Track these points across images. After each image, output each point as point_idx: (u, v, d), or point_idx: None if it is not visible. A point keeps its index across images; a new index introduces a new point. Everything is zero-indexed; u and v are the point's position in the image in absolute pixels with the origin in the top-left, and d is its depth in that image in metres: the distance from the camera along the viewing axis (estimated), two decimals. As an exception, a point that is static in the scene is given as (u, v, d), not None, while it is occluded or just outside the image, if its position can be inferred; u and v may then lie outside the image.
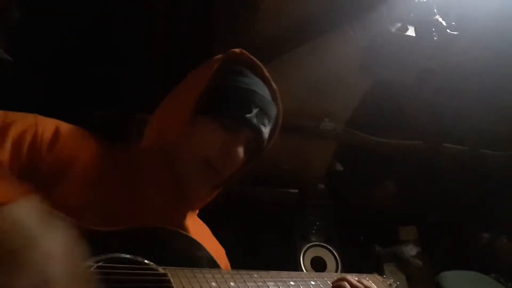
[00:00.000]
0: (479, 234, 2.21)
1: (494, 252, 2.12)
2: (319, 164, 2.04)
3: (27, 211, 0.45)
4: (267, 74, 0.88)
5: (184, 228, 0.82)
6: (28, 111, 0.72)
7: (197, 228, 0.87)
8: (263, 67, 0.88)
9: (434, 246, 2.20)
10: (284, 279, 0.71)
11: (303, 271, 1.84)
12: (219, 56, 0.85)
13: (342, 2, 1.47)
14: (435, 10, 1.50)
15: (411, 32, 1.51)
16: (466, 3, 1.52)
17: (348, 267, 1.89)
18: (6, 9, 1.45)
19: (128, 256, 0.60)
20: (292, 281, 0.71)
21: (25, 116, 0.70)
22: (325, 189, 2.16)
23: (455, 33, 1.53)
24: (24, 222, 0.43)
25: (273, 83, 0.89)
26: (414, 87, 1.78)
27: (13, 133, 0.65)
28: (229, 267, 0.89)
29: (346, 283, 0.74)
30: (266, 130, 0.83)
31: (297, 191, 2.04)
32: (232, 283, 0.63)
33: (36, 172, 0.66)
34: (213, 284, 0.61)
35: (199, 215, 0.94)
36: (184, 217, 0.85)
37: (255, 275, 0.67)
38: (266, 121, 0.82)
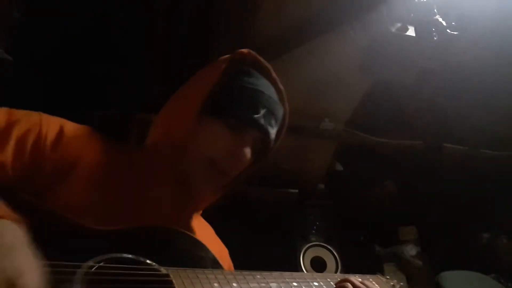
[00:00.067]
0: (479, 234, 2.21)
1: (494, 252, 2.12)
2: (319, 164, 2.04)
3: (10, 229, 0.46)
4: (274, 74, 0.88)
5: (189, 228, 0.81)
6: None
7: (201, 228, 0.87)
8: (270, 67, 0.88)
9: (434, 246, 2.20)
10: (287, 280, 0.70)
11: (303, 271, 1.84)
12: (227, 56, 0.85)
13: (342, 2, 1.47)
14: (435, 10, 1.50)
15: (411, 32, 1.51)
16: (466, 3, 1.52)
17: (348, 267, 1.89)
18: (6, 9, 1.45)
19: (130, 256, 0.59)
20: (295, 282, 0.71)
21: (30, 114, 0.70)
22: (325, 189, 2.16)
23: (455, 33, 1.53)
24: (6, 236, 0.45)
25: (279, 84, 0.88)
26: (414, 87, 1.78)
27: (17, 132, 0.65)
28: (232, 268, 0.89)
29: (349, 284, 0.74)
30: (273, 131, 0.82)
31: (297, 191, 2.04)
32: (234, 284, 0.62)
33: (39, 171, 0.66)
34: (215, 285, 0.60)
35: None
36: (189, 217, 0.85)
37: (258, 276, 0.67)
38: (273, 122, 0.81)
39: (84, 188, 0.68)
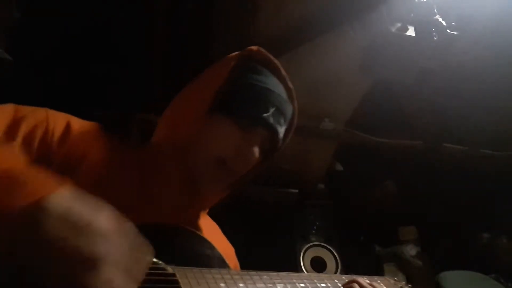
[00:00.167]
0: (479, 234, 2.21)
1: (494, 252, 2.12)
2: (319, 164, 2.04)
3: (73, 197, 0.47)
4: (283, 72, 0.86)
5: (196, 227, 0.81)
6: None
7: (208, 227, 0.87)
8: (279, 65, 0.86)
9: (434, 246, 2.20)
10: (294, 280, 0.69)
11: (303, 271, 1.84)
12: (235, 53, 0.83)
13: (342, 2, 1.47)
14: (435, 10, 1.50)
15: (411, 32, 1.51)
16: (466, 3, 1.52)
17: (348, 267, 1.89)
18: (6, 9, 1.45)
19: None
20: (302, 283, 0.70)
21: (36, 110, 0.70)
22: (325, 189, 2.16)
23: (455, 33, 1.53)
24: (75, 206, 0.45)
25: (289, 82, 0.87)
26: (414, 87, 1.78)
27: (24, 128, 0.65)
28: (238, 266, 0.89)
29: (356, 285, 0.73)
30: (281, 130, 0.81)
31: (297, 191, 2.04)
32: (241, 284, 0.62)
33: (46, 167, 0.65)
34: (222, 285, 0.60)
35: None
36: (196, 215, 0.84)
37: (265, 276, 0.66)
38: (282, 121, 0.80)
39: (90, 184, 0.67)
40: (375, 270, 2.08)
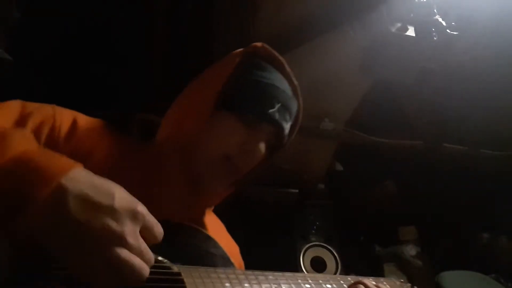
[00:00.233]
0: (479, 234, 2.21)
1: (494, 252, 2.12)
2: (319, 164, 2.04)
3: (89, 174, 0.49)
4: (288, 69, 0.86)
5: (201, 224, 0.80)
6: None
7: (213, 225, 0.86)
8: (284, 61, 0.86)
9: (434, 246, 2.20)
10: (299, 281, 0.68)
11: (303, 271, 1.84)
12: (240, 50, 0.83)
13: (342, 2, 1.47)
14: (435, 10, 1.50)
15: (411, 32, 1.51)
16: (466, 3, 1.52)
17: (348, 267, 1.89)
18: (6, 9, 1.45)
19: None
20: (308, 284, 0.69)
21: (43, 107, 0.70)
22: (325, 189, 2.16)
23: (455, 33, 1.53)
24: (97, 182, 0.48)
25: (293, 78, 0.86)
26: (414, 87, 1.78)
27: (31, 124, 0.65)
28: (243, 265, 0.88)
29: (362, 287, 0.72)
30: (287, 126, 0.81)
31: (297, 191, 2.04)
32: (246, 284, 0.61)
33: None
34: (227, 284, 0.59)
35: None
36: (201, 213, 0.84)
37: (270, 277, 0.65)
38: (287, 117, 0.80)
39: None
40: (375, 270, 2.08)
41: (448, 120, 2.01)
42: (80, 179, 0.46)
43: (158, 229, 0.51)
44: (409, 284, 0.85)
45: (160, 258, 0.57)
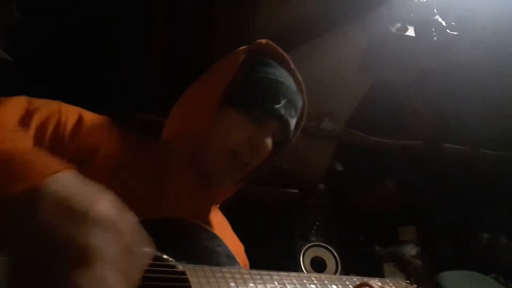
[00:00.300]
0: (479, 234, 2.21)
1: (494, 252, 2.12)
2: (319, 164, 2.04)
3: (75, 181, 0.45)
4: (292, 65, 0.87)
5: (207, 222, 0.80)
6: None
7: (219, 223, 0.86)
8: (288, 58, 0.87)
9: (434, 246, 2.20)
10: (305, 281, 0.68)
11: (303, 271, 1.84)
12: (245, 47, 0.84)
13: (342, 2, 1.47)
14: (435, 10, 1.50)
15: (411, 32, 1.51)
16: (466, 3, 1.52)
17: (348, 267, 1.89)
18: (6, 9, 1.45)
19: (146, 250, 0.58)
20: (313, 284, 0.69)
21: (49, 103, 0.70)
22: (325, 189, 2.16)
23: (455, 33, 1.53)
24: (75, 191, 0.43)
25: (298, 75, 0.87)
26: (414, 87, 1.78)
27: (36, 120, 0.65)
28: (247, 264, 0.88)
29: None
30: (293, 122, 0.82)
31: (297, 191, 2.04)
32: (251, 284, 0.61)
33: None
34: (232, 284, 0.59)
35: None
36: (208, 210, 0.84)
37: (276, 276, 0.65)
38: (293, 112, 0.81)
39: (101, 177, 0.67)
40: (375, 270, 2.08)
41: (448, 120, 2.01)
42: (65, 182, 0.43)
43: (144, 250, 0.46)
44: (415, 285, 0.84)
45: (165, 256, 0.56)
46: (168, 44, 1.67)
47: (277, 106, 0.77)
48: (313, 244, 1.94)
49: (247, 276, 0.62)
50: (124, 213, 0.45)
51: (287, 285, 0.65)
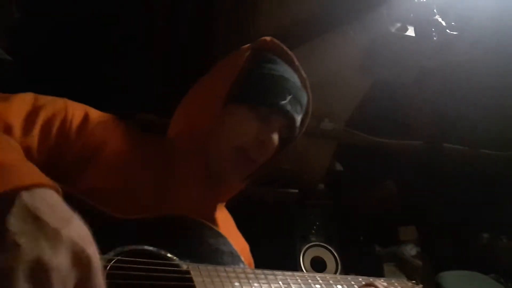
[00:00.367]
0: (479, 234, 2.21)
1: (494, 252, 2.12)
2: (319, 164, 2.04)
3: (55, 198, 0.44)
4: (296, 62, 0.87)
5: (213, 220, 0.80)
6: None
7: (224, 221, 0.86)
8: (293, 55, 0.87)
9: (434, 246, 2.20)
10: (310, 281, 0.68)
11: (302, 271, 1.84)
12: (249, 44, 0.84)
13: (342, 2, 1.47)
14: (434, 10, 1.50)
15: (411, 32, 1.51)
16: (466, 3, 1.52)
17: (348, 267, 1.89)
18: (6, 9, 1.45)
19: (151, 248, 0.58)
20: (318, 284, 0.69)
21: (55, 100, 0.70)
22: (325, 189, 2.16)
23: (455, 33, 1.53)
24: (58, 205, 0.43)
25: (302, 71, 0.88)
26: (414, 87, 1.78)
27: (43, 116, 0.65)
28: (252, 264, 0.88)
29: None
30: (298, 118, 0.82)
31: (297, 191, 2.04)
32: (256, 284, 0.61)
33: (64, 156, 0.66)
34: (236, 284, 0.59)
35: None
36: (213, 208, 0.84)
37: (280, 276, 0.65)
38: (298, 109, 0.81)
39: (107, 174, 0.67)
40: (375, 270, 2.08)
41: (448, 120, 2.01)
42: (43, 197, 0.42)
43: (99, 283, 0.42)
44: (420, 285, 0.84)
45: (169, 255, 0.56)
46: (168, 44, 1.67)
47: (283, 102, 0.77)
48: (313, 244, 1.94)
49: (252, 276, 0.62)
50: (91, 243, 0.43)
51: (292, 284, 0.65)
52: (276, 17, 1.48)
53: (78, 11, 1.54)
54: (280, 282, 0.64)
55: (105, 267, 0.51)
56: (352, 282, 0.74)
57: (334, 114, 1.82)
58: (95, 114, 0.74)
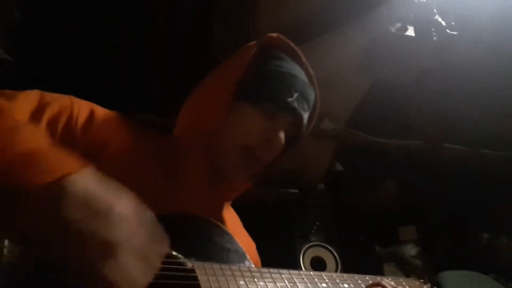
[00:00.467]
0: (479, 234, 2.21)
1: (494, 252, 2.12)
2: (319, 164, 2.04)
3: (95, 180, 0.47)
4: (304, 59, 0.86)
5: (220, 218, 0.80)
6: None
7: (231, 220, 0.86)
8: (300, 52, 0.86)
9: (434, 246, 2.20)
10: (316, 280, 0.67)
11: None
12: (255, 41, 0.83)
13: (342, 2, 1.47)
14: (434, 10, 1.50)
15: (411, 32, 1.51)
16: (466, 3, 1.52)
17: (348, 267, 1.89)
18: (6, 9, 1.45)
19: None
20: (324, 283, 0.68)
21: (61, 97, 0.70)
22: (325, 189, 2.16)
23: (455, 33, 1.53)
24: (96, 189, 0.46)
25: (309, 68, 0.86)
26: (414, 87, 1.78)
27: (48, 114, 0.65)
28: (259, 262, 0.88)
29: None
30: (305, 115, 0.80)
31: (297, 191, 2.04)
32: (261, 283, 0.60)
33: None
34: (241, 282, 0.58)
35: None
36: (220, 206, 0.83)
37: (286, 275, 0.65)
38: (306, 106, 0.80)
39: (112, 172, 0.66)
40: (375, 270, 2.08)
41: (448, 120, 2.01)
42: (85, 180, 0.46)
43: (159, 240, 0.49)
44: (429, 284, 0.83)
45: (174, 253, 0.56)
46: (168, 44, 1.67)
47: (290, 99, 0.76)
48: (313, 244, 1.94)
49: (257, 274, 0.62)
50: (142, 210, 0.48)
51: (297, 283, 0.64)
52: (276, 17, 1.48)
53: (78, 11, 1.54)
54: (286, 281, 0.63)
55: None
56: (359, 281, 0.73)
57: (334, 114, 1.82)
58: (100, 111, 0.74)
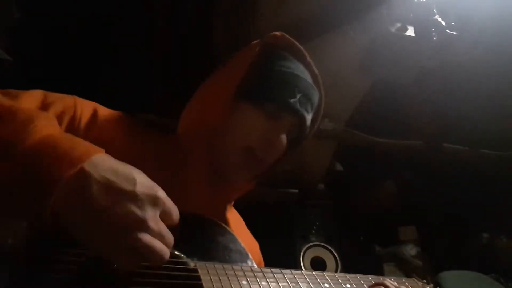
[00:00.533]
0: (479, 234, 2.21)
1: (494, 252, 2.12)
2: (319, 164, 2.04)
3: (111, 160, 0.50)
4: (308, 58, 0.85)
5: (222, 218, 0.79)
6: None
7: (234, 220, 0.85)
8: (304, 51, 0.85)
9: (434, 246, 2.20)
10: (318, 280, 0.67)
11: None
12: (259, 40, 0.81)
13: (342, 2, 1.47)
14: (434, 10, 1.50)
15: (410, 32, 1.51)
16: (465, 3, 1.52)
17: (348, 267, 1.89)
18: (6, 9, 1.45)
19: None
20: (327, 283, 0.67)
21: (64, 97, 0.70)
22: (325, 189, 2.16)
23: (455, 33, 1.53)
24: (118, 167, 0.49)
25: (314, 68, 0.85)
26: (414, 87, 1.78)
27: (52, 113, 0.65)
28: (262, 262, 0.87)
29: None
30: (309, 117, 0.79)
31: (297, 191, 2.04)
32: (264, 283, 0.60)
33: None
34: (244, 282, 0.58)
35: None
36: (223, 207, 0.83)
37: (288, 275, 0.64)
38: (309, 107, 0.78)
39: None
40: (375, 270, 2.08)
41: (448, 120, 2.01)
42: (102, 164, 0.48)
43: (176, 213, 0.53)
44: (431, 285, 0.83)
45: (177, 252, 0.56)
46: (168, 44, 1.67)
47: (292, 100, 0.75)
48: (313, 244, 1.94)
49: (260, 274, 0.61)
50: (156, 186, 0.51)
51: (300, 283, 0.64)
52: (276, 17, 1.48)
53: (78, 11, 1.54)
54: (288, 281, 0.63)
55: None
56: (362, 281, 0.72)
57: (334, 114, 1.82)
58: (104, 111, 0.74)
